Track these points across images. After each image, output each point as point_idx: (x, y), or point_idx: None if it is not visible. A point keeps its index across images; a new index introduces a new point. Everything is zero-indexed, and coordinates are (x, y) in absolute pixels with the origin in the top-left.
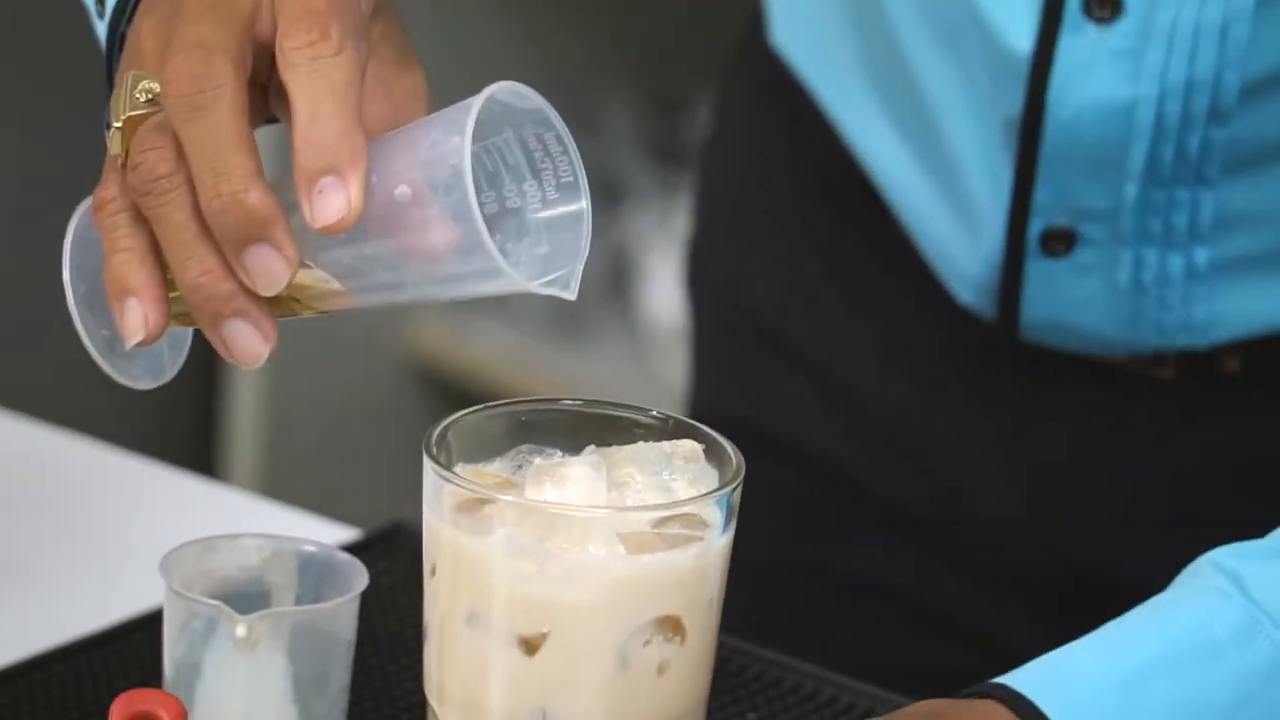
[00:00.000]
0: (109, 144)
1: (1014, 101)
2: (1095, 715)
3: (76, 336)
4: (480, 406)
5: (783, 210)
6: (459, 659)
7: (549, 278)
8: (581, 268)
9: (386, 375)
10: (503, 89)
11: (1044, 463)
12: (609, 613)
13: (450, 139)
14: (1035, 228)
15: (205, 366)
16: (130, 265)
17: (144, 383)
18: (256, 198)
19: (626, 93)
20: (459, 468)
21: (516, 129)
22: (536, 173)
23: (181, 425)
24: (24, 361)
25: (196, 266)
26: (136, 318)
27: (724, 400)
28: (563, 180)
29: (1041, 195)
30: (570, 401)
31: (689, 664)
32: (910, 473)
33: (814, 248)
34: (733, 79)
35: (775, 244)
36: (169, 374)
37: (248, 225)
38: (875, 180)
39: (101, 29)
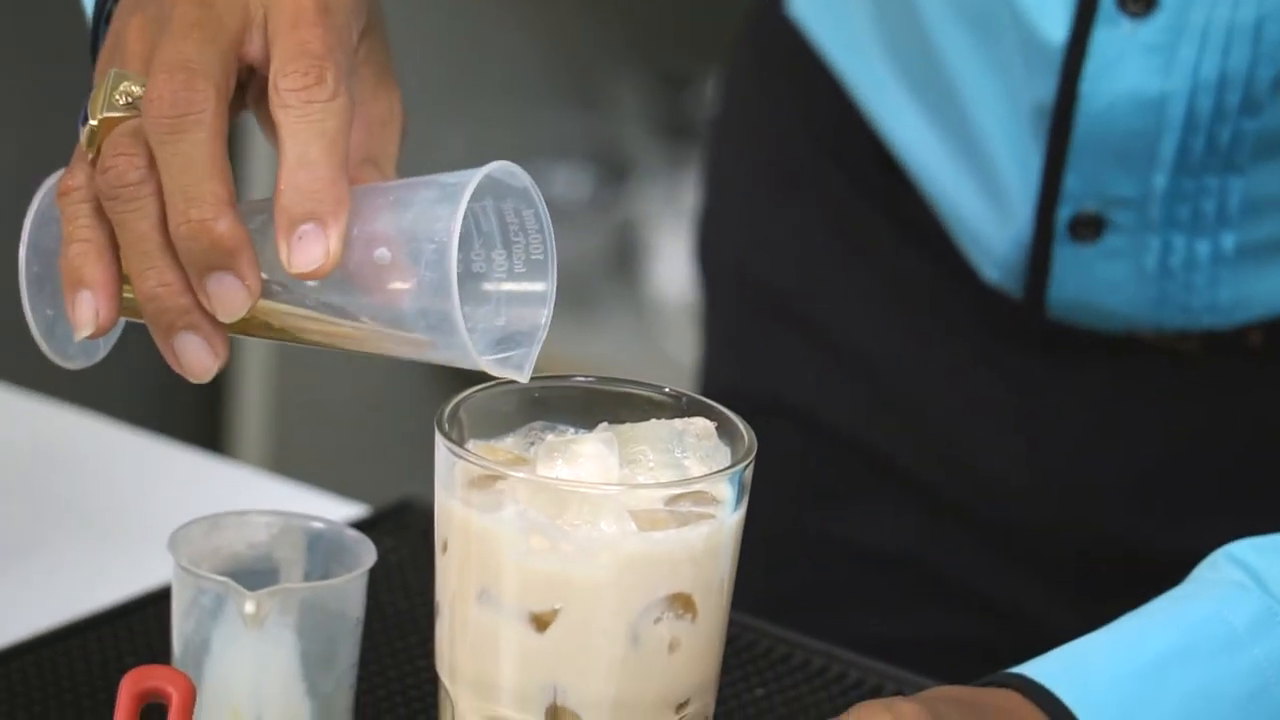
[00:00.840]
0: (81, 137)
1: (1046, 90)
2: (1113, 705)
3: None
4: (492, 383)
5: (796, 183)
6: (470, 636)
7: (504, 355)
8: (537, 351)
9: None
10: (498, 169)
11: (1061, 433)
12: (620, 590)
13: (439, 216)
14: (1064, 213)
15: None
16: (88, 258)
17: (78, 363)
18: (225, 227)
19: (633, 69)
20: (471, 444)
21: (497, 200)
22: (508, 244)
23: (190, 402)
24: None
25: (155, 278)
26: (88, 311)
27: (736, 373)
28: (533, 257)
29: (1071, 183)
30: (582, 379)
31: (700, 641)
32: (926, 443)
33: (829, 220)
34: (742, 51)
35: (788, 217)
36: (101, 354)
37: (213, 253)
38: (899, 155)
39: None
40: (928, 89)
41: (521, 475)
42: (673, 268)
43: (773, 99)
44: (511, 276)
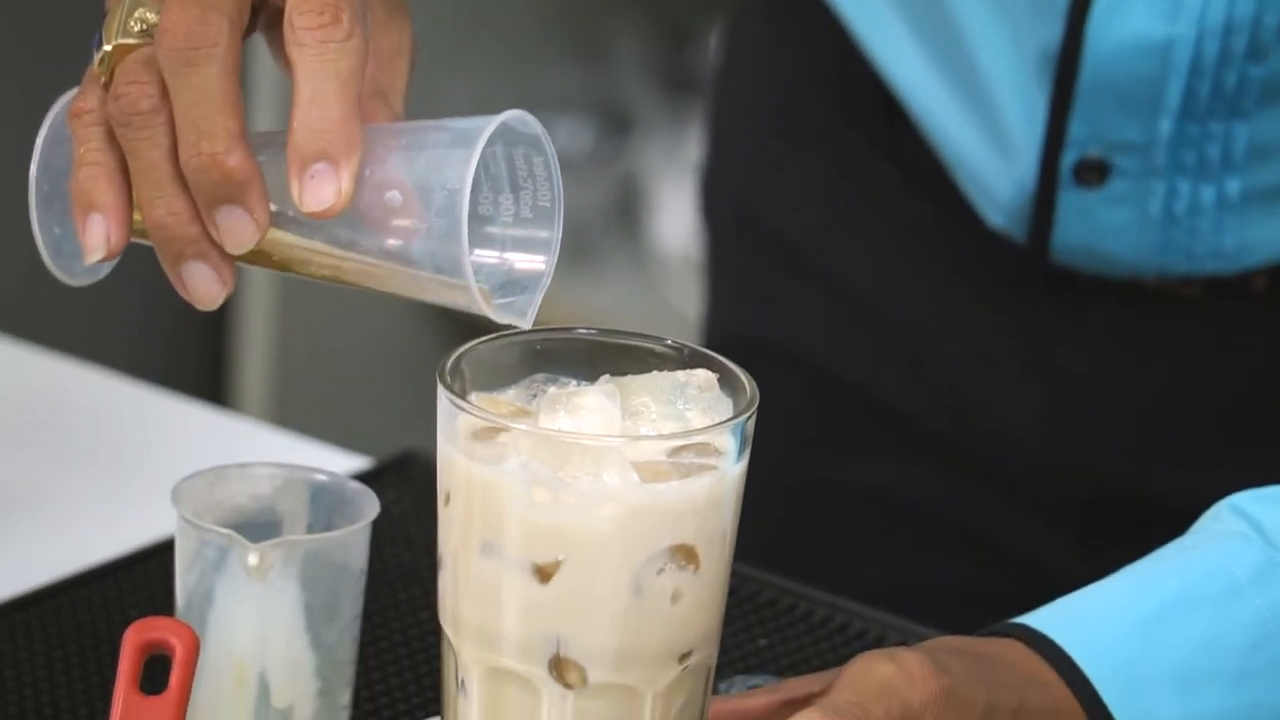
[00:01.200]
0: (94, 62)
1: (1052, 34)
2: (1115, 653)
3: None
4: (494, 335)
5: (800, 130)
6: (473, 588)
7: (507, 300)
8: (540, 298)
9: (397, 304)
10: (512, 117)
11: (1066, 378)
12: (623, 541)
13: (452, 163)
14: (1069, 158)
15: None
16: (99, 181)
17: (83, 280)
18: (236, 161)
19: (636, 22)
20: (473, 396)
21: (508, 146)
22: (516, 190)
23: (192, 354)
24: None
25: (164, 206)
26: (99, 234)
27: (741, 320)
28: (540, 203)
29: (1076, 128)
30: (585, 331)
31: (702, 592)
32: (931, 389)
33: (835, 167)
34: (745, 0)
35: (793, 164)
36: (104, 273)
37: (223, 186)
38: (903, 101)
39: None
40: (933, 33)
41: (524, 428)
42: (675, 220)
43: (776, 47)
44: (518, 222)
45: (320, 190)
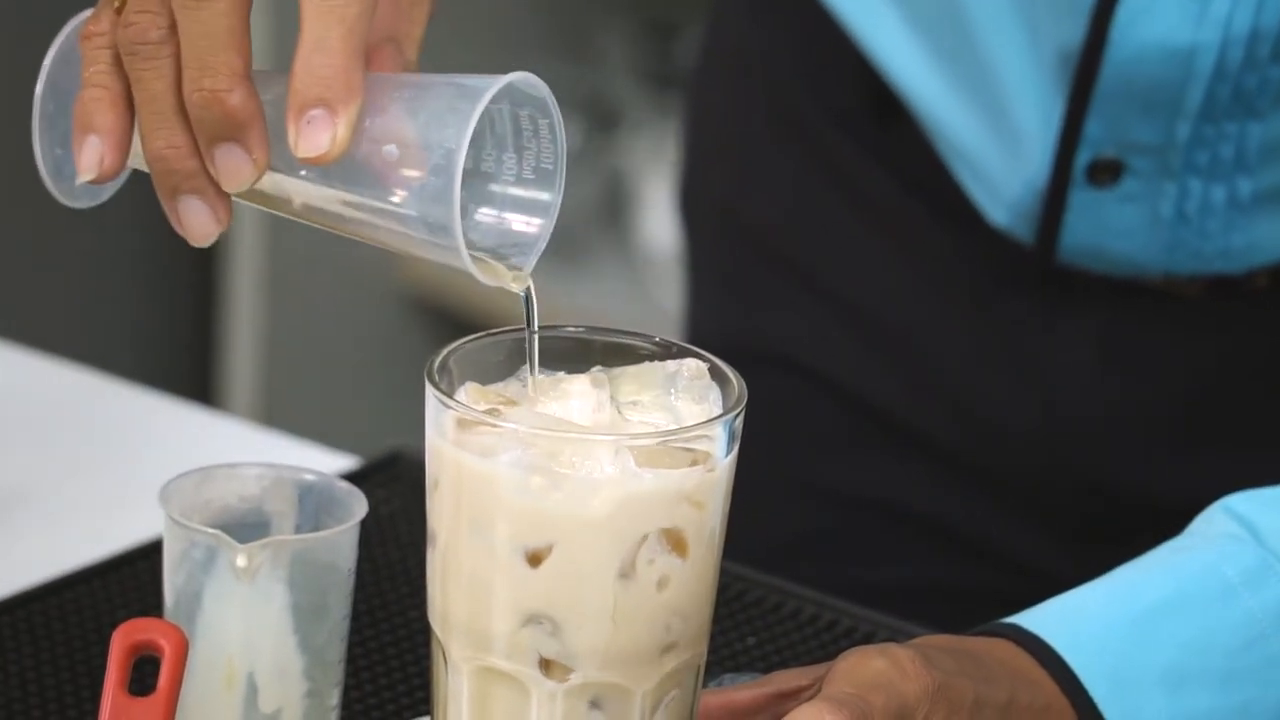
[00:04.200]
0: None
1: (1073, 35)
2: (1106, 652)
3: (77, 268)
4: (483, 333)
5: (783, 128)
6: (464, 574)
7: (498, 261)
8: (534, 261)
9: (384, 304)
10: (519, 78)
11: (1062, 376)
12: (613, 527)
13: (451, 123)
14: (1082, 158)
15: (203, 295)
16: (101, 104)
17: (82, 202)
18: (238, 99)
19: (621, 18)
20: (467, 384)
21: (515, 106)
22: (519, 150)
23: (180, 354)
24: (22, 292)
25: (164, 139)
26: (94, 156)
27: (725, 323)
28: (542, 165)
29: (1092, 128)
30: (572, 328)
31: (689, 582)
32: (922, 389)
33: (819, 166)
34: None
35: (777, 161)
36: (104, 196)
37: (224, 124)
38: (903, 97)
39: None
40: (939, 29)
41: (513, 426)
42: (662, 217)
43: (759, 43)
44: (519, 182)
45: (315, 136)
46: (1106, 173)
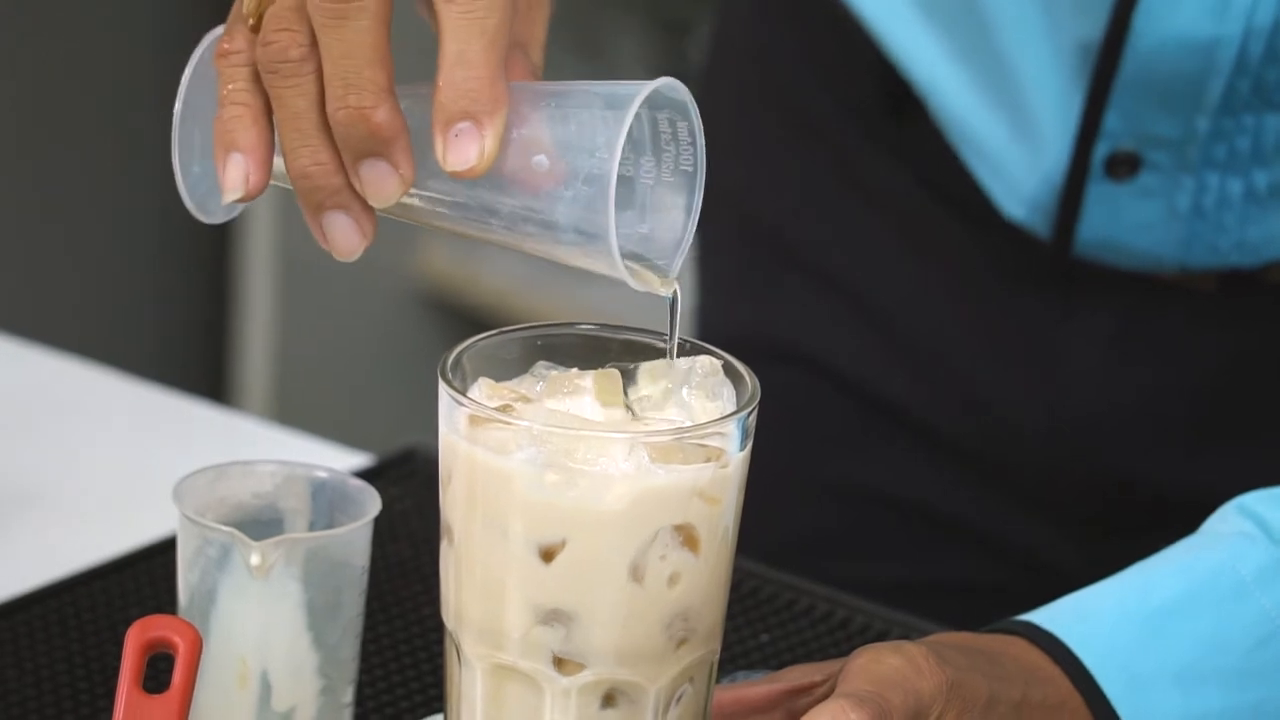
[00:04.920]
0: (239, 2)
1: (1093, 28)
2: (1119, 650)
3: (91, 266)
4: (496, 331)
5: (796, 124)
6: (477, 570)
7: (643, 267)
8: (680, 263)
9: (397, 302)
10: (664, 84)
11: (1076, 371)
12: (626, 523)
13: (601, 131)
14: (1100, 151)
15: (218, 294)
16: (243, 122)
17: (218, 218)
18: (383, 115)
19: (633, 17)
20: (480, 381)
21: (652, 109)
22: (658, 152)
23: (194, 352)
24: (35, 291)
25: (309, 156)
26: (239, 175)
27: (740, 320)
28: (681, 167)
29: (1111, 121)
30: (587, 326)
31: (701, 578)
32: (935, 384)
33: (832, 160)
34: None
35: (790, 157)
36: (237, 211)
37: (370, 140)
38: (919, 91)
39: None
40: (955, 22)
41: (526, 423)
42: None
43: (769, 38)
44: (659, 184)
45: (464, 150)
46: (1124, 166)
